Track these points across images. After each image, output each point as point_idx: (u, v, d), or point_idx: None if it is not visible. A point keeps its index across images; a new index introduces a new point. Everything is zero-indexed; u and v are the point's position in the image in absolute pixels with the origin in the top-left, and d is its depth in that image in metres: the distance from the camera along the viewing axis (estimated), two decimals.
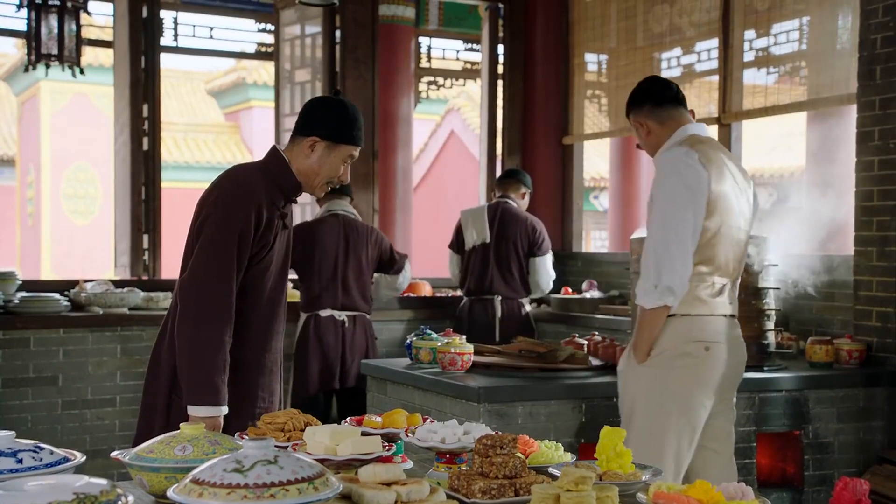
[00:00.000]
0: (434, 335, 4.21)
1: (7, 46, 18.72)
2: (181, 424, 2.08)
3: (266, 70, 16.92)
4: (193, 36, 7.22)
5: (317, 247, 5.52)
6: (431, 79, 8.16)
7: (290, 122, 6.30)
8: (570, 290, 6.59)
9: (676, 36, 6.45)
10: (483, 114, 7.73)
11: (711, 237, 3.32)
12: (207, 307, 2.74)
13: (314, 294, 5.55)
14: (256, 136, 17.18)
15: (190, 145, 17.74)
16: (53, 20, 5.97)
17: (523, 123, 7.46)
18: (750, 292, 4.18)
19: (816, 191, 5.28)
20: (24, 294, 5.69)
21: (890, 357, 4.49)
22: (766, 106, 5.75)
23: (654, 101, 3.48)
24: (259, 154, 3.02)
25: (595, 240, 17.42)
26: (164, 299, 5.87)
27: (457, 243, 6.22)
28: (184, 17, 7.13)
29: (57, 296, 5.68)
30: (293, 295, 6.01)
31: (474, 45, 8.12)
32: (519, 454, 1.99)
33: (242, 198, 2.80)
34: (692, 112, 3.54)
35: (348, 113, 2.91)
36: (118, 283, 6.11)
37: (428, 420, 2.35)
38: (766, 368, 4.27)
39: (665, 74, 6.60)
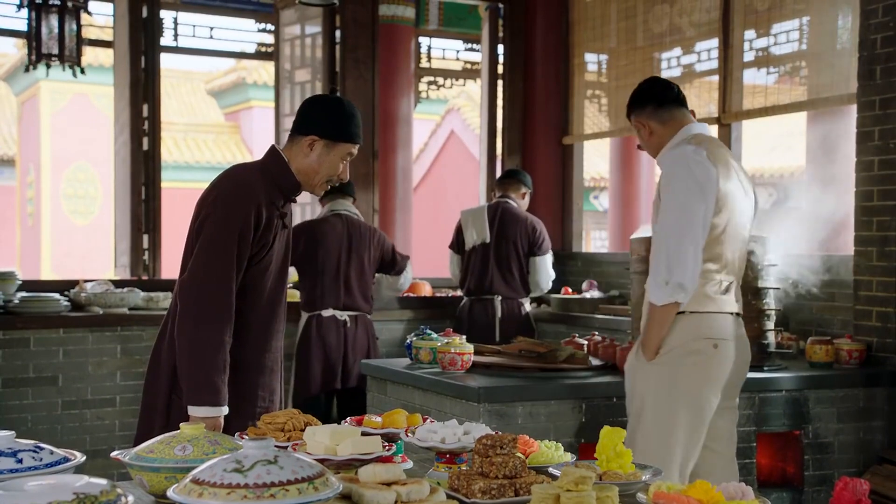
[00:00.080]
0: (434, 335, 4.21)
1: (7, 46, 18.74)
2: (181, 424, 2.09)
3: (266, 70, 16.92)
4: (193, 36, 7.22)
5: (319, 246, 5.52)
6: (431, 79, 8.16)
7: (290, 122, 6.28)
8: (570, 290, 6.60)
9: (676, 36, 6.45)
10: (483, 114, 7.74)
11: (720, 234, 3.34)
12: (207, 307, 2.74)
13: (316, 294, 5.56)
14: (256, 136, 17.18)
15: (190, 145, 17.74)
16: (54, 20, 5.97)
17: (523, 123, 7.46)
18: (750, 292, 4.18)
19: (816, 191, 5.28)
20: (24, 294, 5.69)
21: (890, 357, 4.49)
22: (766, 106, 5.75)
23: (656, 101, 3.49)
24: (259, 154, 3.02)
25: (595, 240, 17.42)
26: (164, 299, 5.87)
27: (457, 243, 6.23)
28: (184, 17, 7.14)
29: (57, 296, 5.68)
30: (293, 295, 6.02)
31: (474, 45, 8.12)
32: (519, 454, 1.99)
33: (242, 197, 2.80)
34: (692, 112, 3.55)
35: (346, 111, 2.91)
36: (118, 283, 6.11)
37: (428, 420, 2.35)
38: (766, 368, 4.27)
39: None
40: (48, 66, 6.10)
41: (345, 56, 6.96)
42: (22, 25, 6.17)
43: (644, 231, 4.60)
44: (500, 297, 6.00)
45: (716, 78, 6.02)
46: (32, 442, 1.93)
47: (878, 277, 4.58)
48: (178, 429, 2.07)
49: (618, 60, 7.00)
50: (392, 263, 5.75)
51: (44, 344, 5.53)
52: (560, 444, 2.37)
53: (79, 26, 6.08)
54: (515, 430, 3.63)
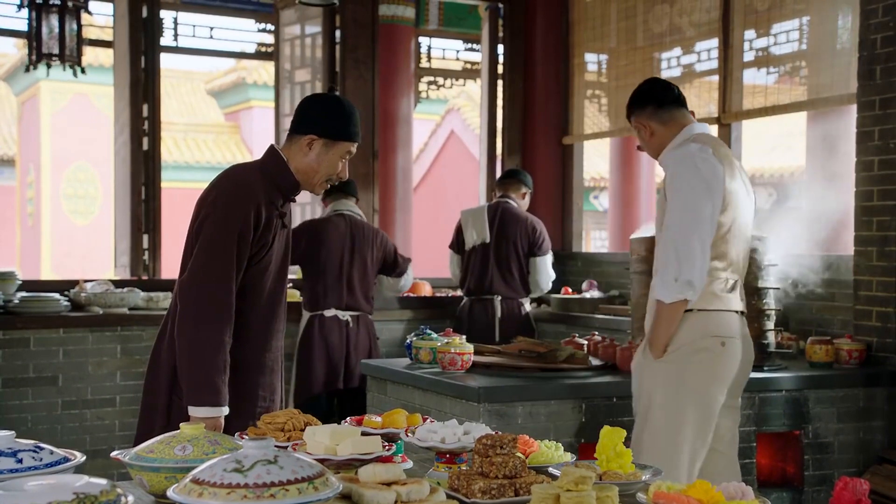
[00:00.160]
0: (434, 335, 4.21)
1: (7, 46, 18.74)
2: (181, 424, 2.08)
3: (266, 70, 16.92)
4: (193, 36, 7.22)
5: (322, 246, 5.53)
6: (431, 79, 8.16)
7: (289, 122, 6.29)
8: (570, 290, 6.60)
9: (676, 36, 6.45)
10: (483, 114, 7.74)
11: (726, 233, 3.35)
12: (207, 307, 2.74)
13: (319, 293, 5.56)
14: (256, 136, 17.18)
15: (190, 145, 17.75)
16: (54, 20, 5.97)
17: (523, 123, 7.46)
18: (750, 292, 4.18)
19: (816, 191, 5.28)
20: (24, 294, 5.69)
21: (890, 357, 4.49)
22: (766, 106, 5.75)
23: (657, 102, 3.49)
24: (259, 154, 3.02)
25: (595, 240, 17.42)
26: (164, 299, 5.87)
27: (457, 243, 6.23)
28: (184, 17, 7.14)
29: (57, 296, 5.68)
30: (293, 295, 6.02)
31: (474, 45, 8.12)
32: (519, 454, 1.99)
33: (241, 197, 2.80)
34: (692, 112, 3.56)
35: (344, 109, 2.90)
36: (118, 283, 6.11)
37: (428, 420, 2.35)
38: (766, 368, 4.27)
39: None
40: (48, 66, 6.10)
41: (345, 56, 6.96)
42: (22, 25, 6.17)
43: (644, 231, 4.61)
44: (499, 297, 6.00)
45: (716, 78, 6.02)
46: (32, 442, 1.93)
47: (878, 277, 4.58)
48: (179, 429, 2.07)
49: (618, 60, 7.00)
50: (394, 265, 5.76)
51: (44, 344, 5.53)
52: (560, 444, 2.37)
53: (79, 26, 6.08)
54: (515, 430, 3.63)
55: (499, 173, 7.27)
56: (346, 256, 5.57)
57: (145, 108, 6.58)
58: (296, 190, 2.94)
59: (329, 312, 5.56)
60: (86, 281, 5.95)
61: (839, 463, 4.34)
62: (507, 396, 3.75)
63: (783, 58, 5.73)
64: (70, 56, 6.02)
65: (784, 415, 4.26)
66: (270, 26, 7.32)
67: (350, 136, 2.90)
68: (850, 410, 4.37)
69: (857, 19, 4.83)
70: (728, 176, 3.35)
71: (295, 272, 5.78)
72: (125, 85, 6.59)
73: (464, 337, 4.16)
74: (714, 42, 6.08)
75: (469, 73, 8.31)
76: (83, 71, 6.16)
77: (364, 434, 2.19)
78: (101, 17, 7.06)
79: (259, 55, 7.75)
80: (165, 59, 6.94)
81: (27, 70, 6.18)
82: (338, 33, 7.01)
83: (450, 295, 6.79)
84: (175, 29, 6.97)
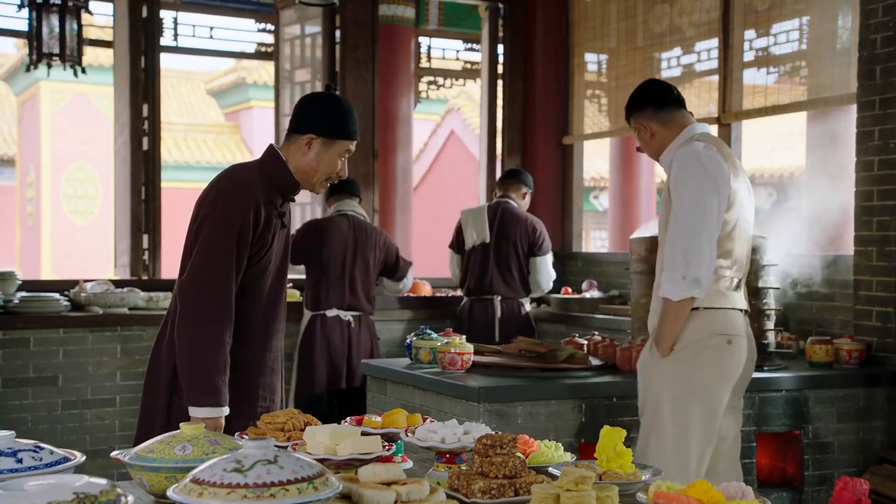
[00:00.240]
0: (434, 335, 4.22)
1: (7, 46, 18.74)
2: (181, 424, 2.08)
3: (266, 70, 16.92)
4: (193, 36, 7.22)
5: (325, 246, 5.55)
6: (431, 79, 8.16)
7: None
8: (570, 290, 6.60)
9: (676, 36, 6.45)
10: (483, 114, 7.73)
11: (731, 231, 3.36)
12: (207, 308, 2.74)
13: (321, 293, 5.57)
14: (256, 136, 17.18)
15: (190, 145, 17.74)
16: (55, 19, 5.97)
17: (523, 123, 7.46)
18: (750, 292, 4.17)
19: (816, 190, 5.28)
20: (24, 294, 5.69)
21: (890, 357, 4.49)
22: (766, 106, 5.75)
23: (657, 103, 3.50)
24: (259, 154, 3.02)
25: (595, 240, 17.42)
26: (164, 299, 5.87)
27: (457, 243, 6.23)
28: (184, 17, 7.13)
29: (57, 296, 5.68)
30: (292, 295, 6.03)
31: (474, 45, 8.11)
32: (519, 454, 1.99)
33: (240, 197, 2.80)
34: (690, 113, 3.57)
35: (343, 108, 2.90)
36: (118, 283, 6.11)
37: (428, 420, 2.35)
38: (766, 368, 4.27)
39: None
40: (49, 66, 6.10)
41: (345, 56, 6.96)
42: (23, 25, 6.17)
43: (644, 231, 4.61)
44: (499, 297, 6.00)
45: (716, 78, 6.02)
46: (32, 442, 1.93)
47: (878, 277, 4.58)
48: (179, 429, 2.07)
49: (618, 60, 7.00)
50: (395, 269, 5.79)
51: (44, 344, 5.53)
52: (560, 444, 2.37)
53: (79, 26, 6.08)
54: (515, 430, 3.63)
55: (499, 173, 7.27)
56: (348, 256, 5.58)
57: (145, 108, 6.58)
58: (295, 190, 2.94)
59: (331, 312, 5.57)
60: (86, 281, 5.95)
61: (839, 463, 4.34)
62: (507, 396, 3.75)
63: (783, 58, 5.73)
64: (70, 56, 6.02)
65: (784, 415, 4.26)
66: (270, 26, 7.32)
67: (349, 135, 2.90)
68: (850, 410, 4.37)
69: (857, 19, 4.83)
70: (732, 175, 3.37)
71: (299, 272, 5.80)
72: (125, 85, 6.59)
73: (464, 337, 4.16)
74: (714, 42, 6.08)
75: (469, 73, 8.31)
76: (83, 71, 6.16)
77: (364, 434, 2.19)
78: (101, 17, 7.06)
79: (259, 55, 7.75)
80: (165, 59, 6.94)
81: (27, 70, 6.17)
82: (338, 33, 7.01)
83: (450, 295, 6.79)
84: (175, 29, 6.97)
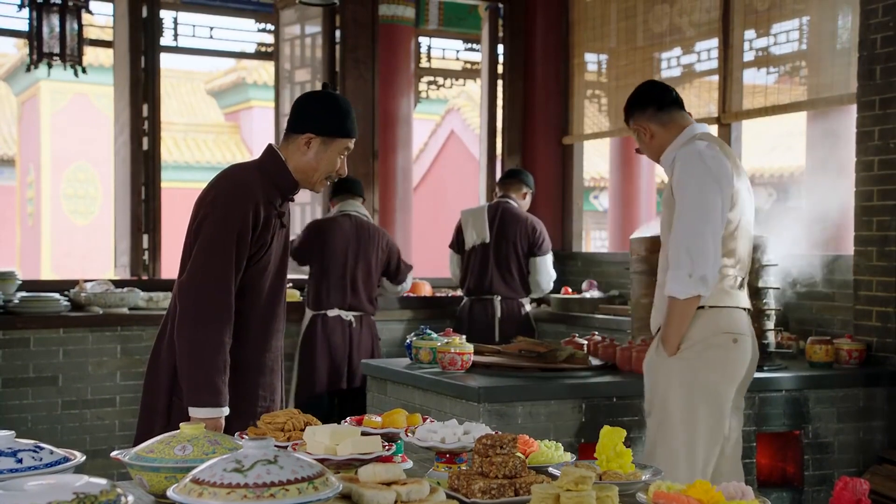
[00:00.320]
0: (434, 335, 4.21)
1: (7, 46, 18.74)
2: (181, 424, 2.08)
3: (266, 70, 16.92)
4: (193, 36, 7.22)
5: (327, 246, 5.57)
6: (431, 79, 8.16)
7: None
8: (570, 290, 6.59)
9: (676, 36, 6.45)
10: (483, 114, 7.73)
11: (734, 230, 3.37)
12: (206, 308, 2.74)
13: (322, 293, 5.59)
14: (256, 136, 17.18)
15: (190, 145, 17.74)
16: (55, 19, 5.97)
17: (523, 123, 7.46)
18: (750, 292, 4.17)
19: (816, 190, 5.28)
20: (24, 294, 5.69)
21: (890, 357, 4.49)
22: (766, 106, 5.75)
23: (657, 104, 3.50)
24: (258, 154, 3.02)
25: (595, 240, 17.42)
26: (164, 299, 5.87)
27: (457, 243, 6.23)
28: (184, 17, 7.13)
29: (57, 296, 5.68)
30: (292, 294, 6.04)
31: (474, 45, 8.11)
32: (519, 454, 1.99)
33: (240, 197, 2.80)
34: (689, 114, 3.57)
35: (340, 106, 2.90)
36: (118, 283, 6.11)
37: (428, 420, 2.35)
38: (766, 368, 4.27)
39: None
40: (49, 66, 6.10)
41: (345, 56, 6.96)
42: (23, 25, 6.18)
43: (644, 231, 4.61)
44: (499, 297, 6.00)
45: (716, 78, 6.02)
46: (32, 442, 1.93)
47: (878, 277, 4.58)
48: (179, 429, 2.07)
49: (618, 60, 7.00)
50: (396, 272, 5.81)
51: (44, 344, 5.53)
52: (560, 444, 2.37)
53: (80, 25, 6.08)
54: (515, 430, 3.63)
55: (499, 173, 7.27)
56: (349, 257, 5.60)
57: (145, 108, 6.58)
58: (294, 189, 2.93)
59: (332, 312, 5.59)
60: (86, 281, 5.95)
61: (839, 463, 4.34)
62: (507, 396, 3.75)
63: (783, 58, 5.73)
64: (71, 56, 6.02)
65: (784, 415, 4.26)
66: (270, 26, 7.32)
67: (347, 133, 2.89)
68: (850, 410, 4.37)
69: (857, 19, 4.83)
70: (735, 174, 3.38)
71: (299, 272, 5.82)
72: (125, 85, 6.59)
73: (464, 337, 4.16)
74: (714, 42, 6.08)
75: (469, 73, 8.31)
76: (84, 70, 6.16)
77: (364, 434, 2.19)
78: (101, 17, 7.06)
79: (259, 55, 7.75)
80: (165, 59, 6.94)
81: (28, 70, 6.18)
82: (338, 33, 7.01)
83: (450, 295, 6.79)
84: (175, 29, 6.97)
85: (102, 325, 5.65)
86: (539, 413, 3.80)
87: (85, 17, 6.25)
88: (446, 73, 8.23)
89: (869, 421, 4.40)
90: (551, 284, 6.16)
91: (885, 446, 4.40)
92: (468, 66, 8.27)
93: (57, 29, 5.97)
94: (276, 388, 3.00)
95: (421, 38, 7.95)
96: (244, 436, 2.28)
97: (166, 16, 6.81)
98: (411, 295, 6.61)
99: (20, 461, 1.83)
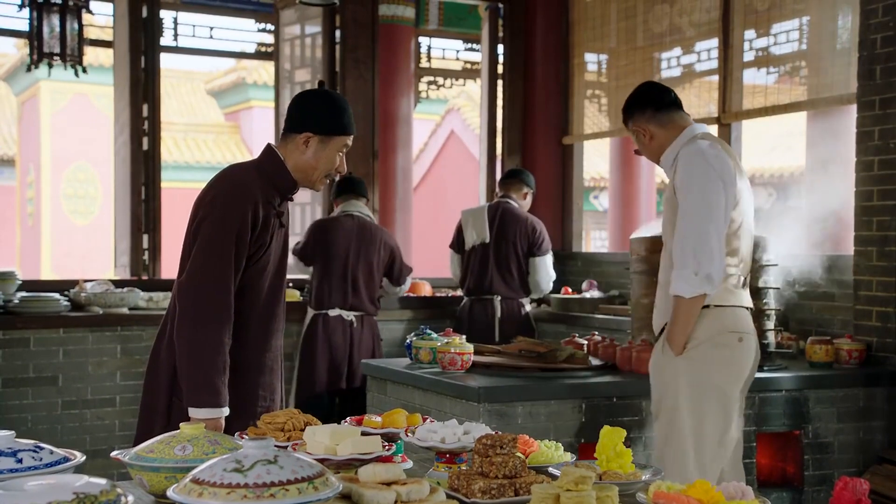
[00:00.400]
0: (434, 335, 4.21)
1: (7, 46, 18.74)
2: (181, 424, 2.08)
3: (266, 70, 16.92)
4: (193, 36, 7.22)
5: (329, 246, 5.60)
6: (431, 79, 8.16)
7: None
8: (570, 290, 6.59)
9: (676, 36, 6.45)
10: (483, 114, 7.74)
11: (737, 229, 3.37)
12: (205, 308, 2.73)
13: (324, 292, 5.60)
14: (256, 136, 17.17)
15: (190, 145, 17.75)
16: (55, 19, 5.97)
17: (523, 123, 7.46)
18: (750, 292, 4.18)
19: (816, 190, 5.29)
20: (24, 294, 5.69)
21: (890, 357, 4.49)
22: (766, 106, 5.75)
23: (655, 105, 3.50)
24: (258, 154, 3.01)
25: (595, 240, 17.42)
26: (164, 299, 5.87)
27: (457, 243, 6.24)
28: (184, 17, 7.14)
29: (57, 296, 5.68)
30: (292, 294, 6.04)
31: (474, 45, 8.12)
32: (519, 454, 1.99)
33: (238, 197, 2.79)
34: (687, 115, 3.58)
35: (337, 104, 2.90)
36: (118, 283, 6.11)
37: (428, 420, 2.35)
38: (766, 368, 4.27)
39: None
40: (50, 66, 6.10)
41: (345, 56, 6.96)
42: (23, 25, 6.18)
43: (644, 231, 4.61)
44: (499, 297, 6.00)
45: (716, 78, 6.02)
46: (32, 442, 1.93)
47: (878, 277, 4.58)
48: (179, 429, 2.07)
49: (618, 60, 7.00)
50: (397, 274, 5.83)
51: (44, 344, 5.53)
52: (560, 444, 2.37)
53: (80, 25, 6.08)
54: (515, 430, 3.63)
55: (499, 173, 7.27)
56: (351, 257, 5.61)
57: (145, 108, 6.58)
58: (293, 189, 2.93)
59: (333, 312, 5.60)
60: (86, 281, 5.95)
61: (839, 463, 4.34)
62: (507, 396, 3.75)
63: (783, 58, 5.73)
64: (71, 55, 6.03)
65: (784, 415, 4.26)
66: (270, 26, 7.32)
67: (345, 130, 2.89)
68: (850, 410, 4.37)
69: (857, 19, 4.83)
70: (737, 173, 3.38)
71: (305, 272, 5.85)
72: (125, 85, 6.59)
73: (464, 337, 4.16)
74: (714, 42, 6.08)
75: (469, 73, 8.31)
76: (84, 70, 6.17)
77: (364, 434, 2.19)
78: (101, 17, 7.06)
79: (259, 55, 7.75)
80: (165, 59, 6.94)
81: (28, 70, 6.18)
82: (338, 33, 7.01)
83: (450, 295, 6.79)
84: (175, 29, 6.97)
85: (102, 325, 5.65)
86: (539, 413, 3.80)
87: (85, 16, 6.25)
88: (446, 73, 8.23)
89: (869, 421, 4.40)
90: (551, 285, 6.16)
91: (885, 446, 4.40)
92: (468, 66, 8.27)
93: (57, 29, 5.98)
94: (276, 387, 3.00)
95: (421, 38, 7.95)
96: (244, 436, 2.28)
97: (166, 16, 6.81)
98: (411, 295, 6.61)
99: (20, 461, 1.83)
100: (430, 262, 10.46)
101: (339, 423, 2.31)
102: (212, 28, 7.29)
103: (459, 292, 6.41)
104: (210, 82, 19.28)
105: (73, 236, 16.50)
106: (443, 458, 2.19)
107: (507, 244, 6.01)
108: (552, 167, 7.36)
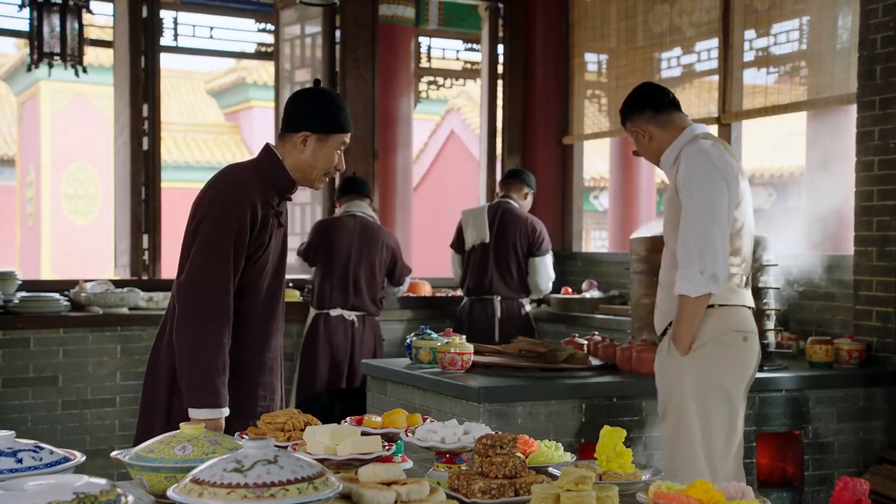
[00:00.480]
0: (434, 335, 4.21)
1: (7, 46, 18.74)
2: (181, 424, 2.08)
3: (266, 70, 16.92)
4: (193, 36, 7.22)
5: (331, 246, 5.61)
6: (431, 79, 8.16)
7: None
8: (570, 290, 6.59)
9: (676, 36, 6.45)
10: (483, 114, 7.74)
11: (740, 228, 3.38)
12: (204, 309, 2.73)
13: (326, 292, 5.61)
14: (256, 136, 17.17)
15: (190, 145, 17.75)
16: (56, 19, 5.98)
17: (523, 123, 7.46)
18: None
19: (816, 190, 5.28)
20: (24, 294, 5.69)
21: (890, 357, 4.49)
22: (766, 106, 5.75)
23: (654, 106, 3.51)
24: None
25: (595, 240, 17.42)
26: (164, 299, 5.87)
27: (457, 243, 6.24)
28: (184, 17, 7.14)
29: (57, 296, 5.68)
30: (291, 294, 6.04)
31: (474, 45, 8.12)
32: (519, 454, 1.99)
33: (237, 197, 2.79)
34: (685, 115, 3.58)
35: (334, 102, 2.90)
36: (118, 283, 6.11)
37: (428, 420, 2.35)
38: (766, 368, 4.27)
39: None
40: (50, 66, 6.10)
41: (345, 56, 6.96)
42: (23, 25, 6.18)
43: (644, 231, 4.61)
44: (499, 298, 6.00)
45: (716, 78, 6.02)
46: (32, 442, 1.93)
47: (878, 277, 4.58)
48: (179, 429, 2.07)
49: (618, 60, 7.00)
50: (398, 277, 5.85)
51: (44, 344, 5.53)
52: (560, 444, 2.37)
53: (80, 25, 6.09)
54: (515, 430, 3.63)
55: (499, 173, 7.27)
56: (353, 257, 5.62)
57: (145, 108, 6.58)
58: (291, 188, 2.93)
59: (335, 312, 5.61)
60: (86, 281, 5.95)
61: (839, 463, 4.34)
62: (507, 396, 3.75)
63: (783, 58, 5.73)
64: (71, 55, 6.03)
65: (784, 415, 4.26)
66: (270, 26, 7.32)
67: (342, 127, 2.89)
68: (850, 410, 4.37)
69: (857, 19, 4.83)
70: (739, 173, 3.38)
71: (306, 272, 5.86)
72: (125, 85, 6.59)
73: (464, 337, 4.16)
74: (714, 42, 6.08)
75: (469, 73, 8.31)
76: (84, 70, 6.17)
77: (364, 434, 2.19)
78: (101, 17, 7.06)
79: (259, 55, 7.75)
80: (165, 59, 6.94)
81: (28, 69, 6.18)
82: (338, 33, 7.01)
83: (450, 295, 6.79)
84: (175, 29, 6.97)
85: (102, 325, 5.65)
86: (539, 413, 3.80)
87: (85, 16, 6.26)
88: (446, 73, 8.23)
89: (869, 421, 4.40)
90: (550, 286, 6.16)
91: (885, 446, 4.40)
92: (468, 66, 8.27)
93: (57, 29, 5.98)
94: (276, 387, 3.00)
95: (421, 38, 7.95)
96: (244, 436, 2.28)
97: (166, 16, 6.81)
98: (411, 295, 6.61)
99: (20, 461, 1.83)
100: (430, 262, 10.46)
101: (339, 423, 2.31)
102: (212, 28, 7.29)
103: (459, 292, 6.41)
104: (210, 82, 19.28)
105: (73, 236, 16.50)
106: (443, 458, 2.19)
107: (507, 244, 6.01)
108: (552, 167, 7.36)
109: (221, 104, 18.91)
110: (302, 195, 7.05)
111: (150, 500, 1.96)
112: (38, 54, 6.01)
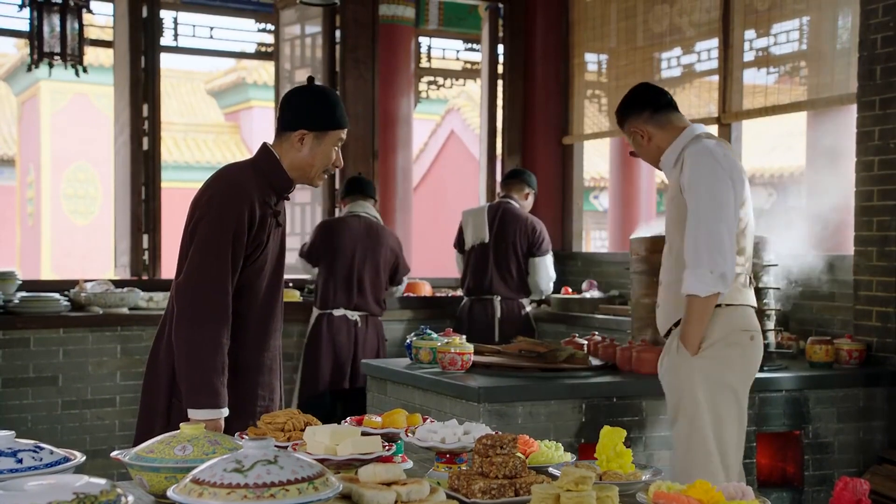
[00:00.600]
0: (434, 335, 4.21)
1: (7, 46, 18.74)
2: (181, 424, 2.08)
3: (266, 70, 16.92)
4: (193, 36, 7.23)
5: (334, 246, 5.61)
6: (431, 79, 8.16)
7: None
8: (570, 290, 6.59)
9: (676, 36, 6.45)
10: (483, 114, 7.74)
11: (744, 228, 3.39)
12: (203, 309, 2.72)
13: (329, 292, 5.62)
14: (256, 136, 17.16)
15: (190, 145, 17.75)
16: (56, 19, 5.98)
17: (523, 123, 7.46)
18: None
19: (816, 190, 5.28)
20: (24, 294, 5.69)
21: (890, 357, 4.49)
22: (766, 106, 5.75)
23: (652, 107, 3.50)
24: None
25: (595, 240, 17.42)
26: (164, 299, 5.87)
27: (459, 243, 6.24)
28: (184, 17, 7.14)
29: (57, 296, 5.69)
30: (290, 294, 6.05)
31: (474, 45, 8.12)
32: (519, 454, 1.99)
33: (234, 197, 2.78)
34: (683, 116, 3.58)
35: (329, 98, 2.89)
36: (118, 283, 6.11)
37: (428, 420, 2.35)
38: (766, 368, 4.27)
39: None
40: (50, 66, 6.10)
41: (345, 56, 6.96)
42: (23, 25, 6.18)
43: (644, 231, 4.61)
44: (499, 298, 6.01)
45: (716, 78, 6.02)
46: (32, 442, 1.93)
47: (878, 277, 4.58)
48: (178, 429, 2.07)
49: (618, 60, 7.00)
50: (399, 277, 5.86)
51: (44, 344, 5.53)
52: (560, 444, 2.37)
53: (80, 25, 6.09)
54: (515, 430, 3.63)
55: (499, 173, 7.28)
56: (357, 257, 5.63)
57: (145, 108, 6.59)
58: (289, 188, 2.92)
59: (338, 312, 5.62)
60: (86, 281, 5.95)
61: (839, 463, 4.34)
62: (507, 396, 3.75)
63: (783, 58, 5.73)
64: (72, 55, 6.03)
65: (784, 415, 4.26)
66: (270, 26, 7.32)
67: (338, 124, 2.88)
68: (850, 410, 4.37)
69: (857, 19, 4.83)
70: (742, 173, 3.38)
71: (308, 272, 5.86)
72: (125, 85, 6.59)
73: (464, 337, 4.16)
74: (714, 42, 6.08)
75: (469, 73, 8.31)
76: (85, 70, 6.17)
77: (364, 434, 2.19)
78: (101, 17, 7.07)
79: (259, 55, 7.75)
80: (165, 59, 6.94)
81: (28, 69, 6.18)
82: (338, 33, 7.01)
83: (450, 295, 6.79)
84: (175, 29, 6.97)
85: (102, 325, 5.65)
86: (539, 413, 3.80)
87: (85, 16, 6.26)
88: (446, 73, 8.24)
89: (869, 421, 4.40)
90: (550, 286, 6.16)
91: (885, 446, 4.40)
92: (468, 66, 8.27)
93: (57, 28, 5.98)
94: (275, 387, 3.00)
95: (421, 38, 7.96)
96: (244, 436, 2.28)
97: (166, 16, 6.81)
98: (411, 295, 6.61)
99: (20, 461, 1.83)
100: (430, 262, 10.46)
101: (339, 423, 2.31)
102: (212, 28, 7.29)
103: (459, 292, 6.42)
104: (210, 82, 19.28)
105: (73, 236, 16.50)
106: (443, 458, 2.19)
107: (507, 244, 6.01)
108: (552, 167, 7.36)
109: (221, 104, 18.91)
110: (302, 195, 7.05)
111: (150, 500, 1.96)
112: (39, 54, 6.01)
